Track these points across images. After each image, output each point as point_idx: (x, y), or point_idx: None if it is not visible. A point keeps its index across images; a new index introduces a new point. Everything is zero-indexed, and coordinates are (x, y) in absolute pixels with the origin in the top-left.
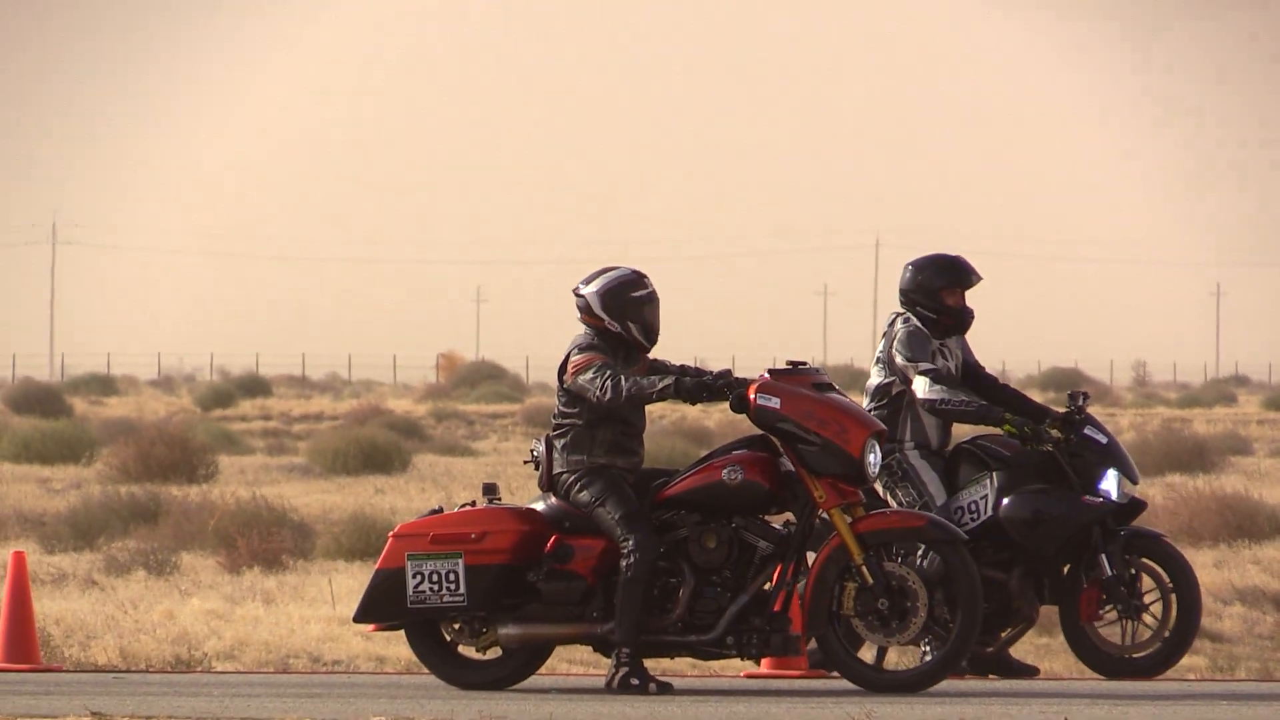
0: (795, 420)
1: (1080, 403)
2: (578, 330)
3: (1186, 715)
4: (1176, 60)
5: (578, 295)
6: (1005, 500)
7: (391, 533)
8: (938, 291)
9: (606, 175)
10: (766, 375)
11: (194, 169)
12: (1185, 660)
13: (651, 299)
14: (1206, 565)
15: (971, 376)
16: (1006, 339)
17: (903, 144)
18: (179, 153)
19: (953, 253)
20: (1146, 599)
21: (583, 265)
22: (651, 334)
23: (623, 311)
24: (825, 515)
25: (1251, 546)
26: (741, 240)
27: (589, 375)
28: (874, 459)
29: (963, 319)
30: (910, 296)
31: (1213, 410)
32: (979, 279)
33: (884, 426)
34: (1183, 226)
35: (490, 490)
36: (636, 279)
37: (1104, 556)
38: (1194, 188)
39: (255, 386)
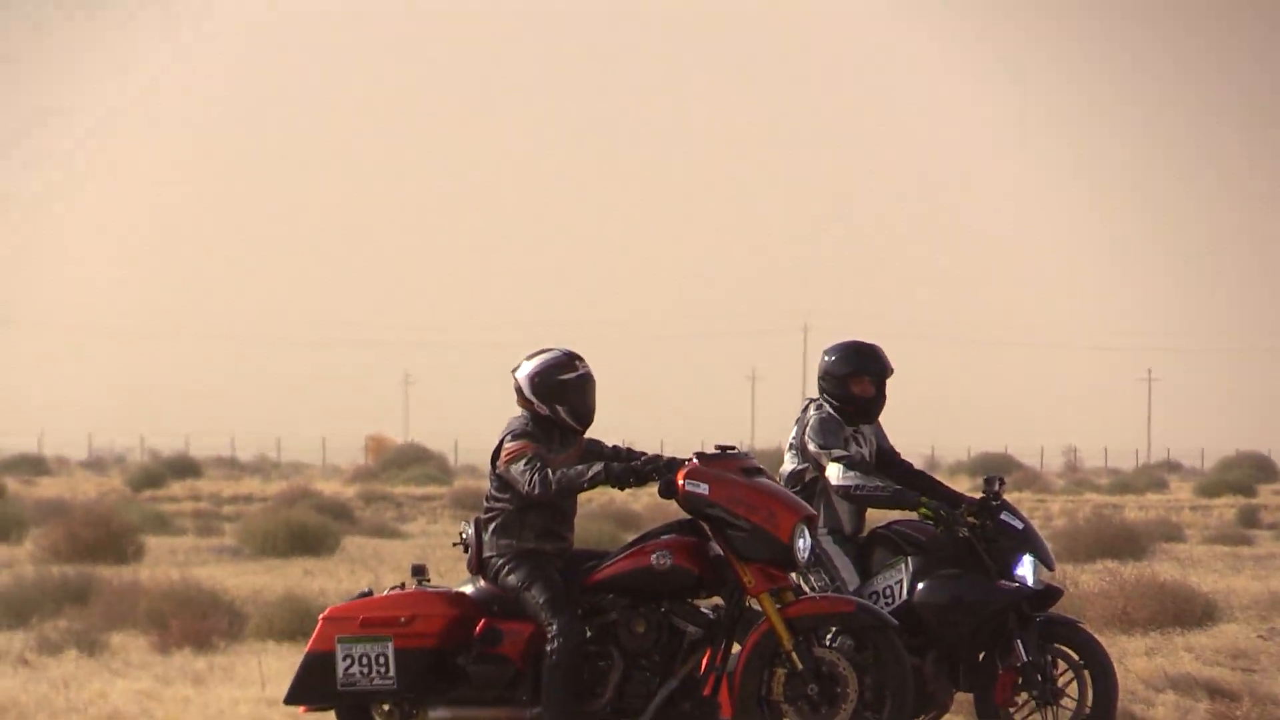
0: (724, 506)
1: (996, 488)
2: (507, 412)
3: None
4: (1107, 143)
5: (513, 377)
6: (920, 585)
7: (322, 615)
8: (845, 379)
9: (535, 257)
10: (695, 460)
11: (120, 249)
12: None
13: (582, 381)
14: (1139, 653)
15: (887, 463)
16: (936, 424)
17: (832, 228)
18: (108, 232)
19: (869, 340)
20: (1061, 682)
21: (510, 348)
22: (583, 417)
23: (551, 395)
24: (754, 601)
25: (1184, 633)
26: (670, 323)
27: (519, 467)
28: (803, 544)
29: (868, 408)
30: (821, 383)
31: (1144, 496)
32: (889, 369)
33: (814, 511)
34: (1114, 310)
35: (419, 572)
36: (566, 361)
37: (1019, 642)
38: (1124, 271)
39: (185, 468)
